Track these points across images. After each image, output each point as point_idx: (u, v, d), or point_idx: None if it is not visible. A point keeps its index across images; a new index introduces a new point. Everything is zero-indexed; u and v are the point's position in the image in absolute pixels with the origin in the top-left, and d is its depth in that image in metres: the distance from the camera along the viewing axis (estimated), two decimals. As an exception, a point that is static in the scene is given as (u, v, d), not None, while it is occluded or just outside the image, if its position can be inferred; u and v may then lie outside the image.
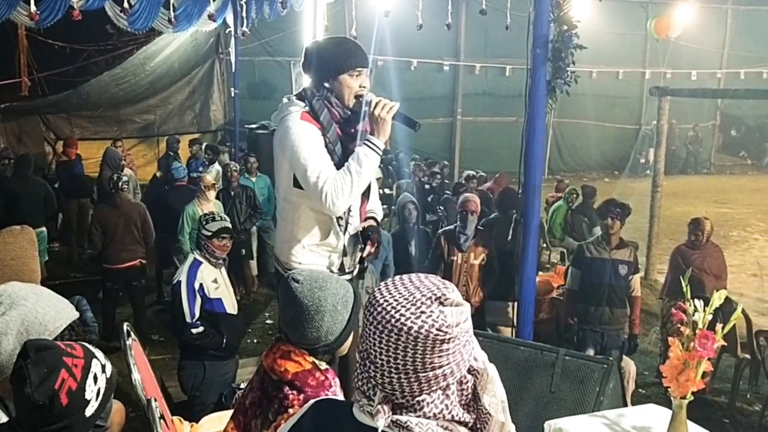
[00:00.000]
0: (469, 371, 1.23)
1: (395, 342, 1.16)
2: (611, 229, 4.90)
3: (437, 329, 1.16)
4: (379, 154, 2.76)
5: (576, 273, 5.00)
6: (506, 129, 14.46)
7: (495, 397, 1.25)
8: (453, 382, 1.21)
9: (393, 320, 1.17)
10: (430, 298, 1.19)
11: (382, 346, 1.17)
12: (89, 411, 1.63)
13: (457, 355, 1.20)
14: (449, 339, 1.17)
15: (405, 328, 1.15)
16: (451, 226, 5.41)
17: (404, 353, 1.16)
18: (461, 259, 5.19)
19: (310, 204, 2.84)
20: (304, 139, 2.74)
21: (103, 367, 1.69)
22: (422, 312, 1.16)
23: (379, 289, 1.24)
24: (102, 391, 1.67)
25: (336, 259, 2.93)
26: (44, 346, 1.63)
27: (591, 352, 4.78)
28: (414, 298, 1.19)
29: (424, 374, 1.18)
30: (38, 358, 1.58)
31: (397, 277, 1.26)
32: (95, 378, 1.65)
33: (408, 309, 1.17)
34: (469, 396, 1.24)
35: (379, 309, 1.19)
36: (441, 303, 1.18)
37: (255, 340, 6.22)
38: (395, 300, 1.19)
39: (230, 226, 4.32)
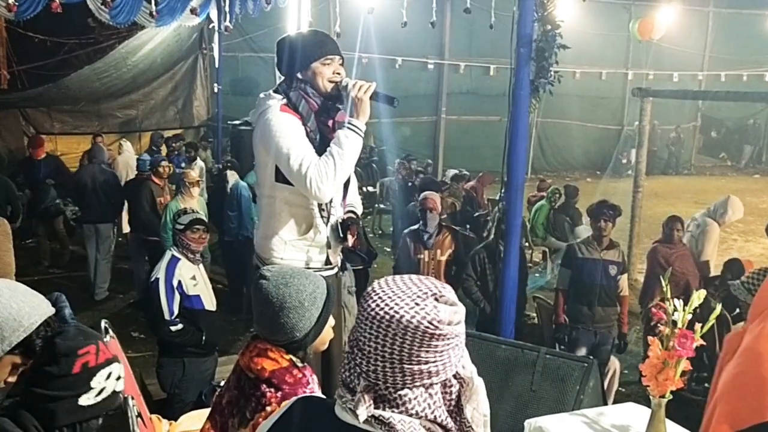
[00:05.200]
0: (455, 377, 1.24)
1: (385, 329, 1.17)
2: (604, 230, 4.91)
3: (428, 322, 1.17)
4: (360, 135, 2.76)
5: (566, 272, 5.03)
6: (490, 128, 14.50)
7: (477, 411, 1.26)
8: (437, 382, 1.21)
9: (386, 308, 1.18)
10: (426, 293, 1.20)
11: (372, 332, 1.18)
12: (84, 400, 1.70)
13: (445, 355, 1.20)
14: (439, 335, 1.18)
15: (397, 317, 1.17)
16: (415, 226, 5.43)
17: (392, 341, 1.17)
18: (428, 257, 5.22)
19: (291, 199, 2.84)
20: (285, 129, 2.74)
21: (119, 377, 1.80)
22: (416, 304, 1.18)
23: (378, 282, 1.25)
24: (106, 392, 1.75)
25: (318, 254, 2.93)
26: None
27: (584, 350, 4.82)
28: (411, 292, 1.21)
29: (409, 367, 1.18)
30: (84, 329, 1.81)
31: (398, 276, 1.28)
32: (109, 375, 1.77)
33: (403, 300, 1.19)
34: (452, 402, 1.24)
35: (375, 298, 1.21)
36: (436, 299, 1.20)
37: (237, 337, 6.18)
38: (392, 292, 1.21)
39: (204, 218, 4.30)
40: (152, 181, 6.90)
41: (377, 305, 1.20)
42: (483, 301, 5.10)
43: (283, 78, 2.94)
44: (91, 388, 1.72)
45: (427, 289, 1.21)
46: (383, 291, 1.22)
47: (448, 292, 1.22)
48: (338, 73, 2.83)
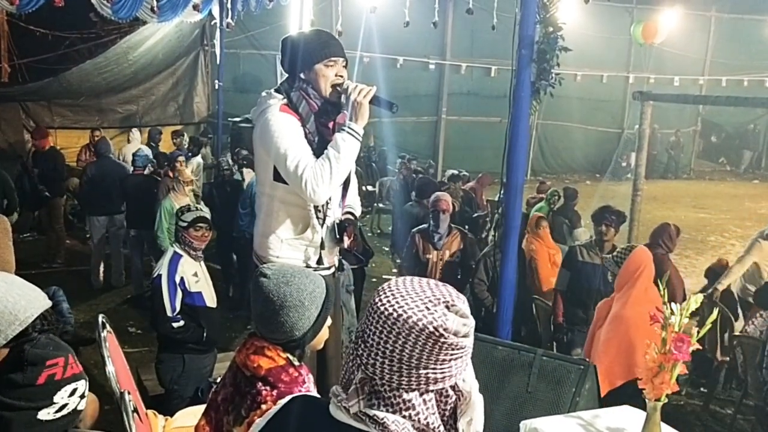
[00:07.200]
0: (453, 388, 1.23)
1: (390, 327, 1.18)
2: (605, 235, 4.91)
3: (434, 327, 1.16)
4: (357, 139, 2.74)
5: (565, 274, 5.04)
6: (490, 129, 14.50)
7: (471, 426, 1.25)
8: (433, 389, 1.21)
9: (396, 306, 1.19)
10: (438, 299, 1.20)
11: (378, 327, 1.19)
12: (43, 415, 1.62)
13: (446, 365, 1.19)
14: (443, 343, 1.17)
15: (404, 317, 1.17)
16: (425, 225, 5.43)
17: (395, 340, 1.17)
18: (436, 257, 5.23)
19: (289, 198, 2.83)
20: (284, 130, 2.73)
21: (83, 395, 1.72)
22: (426, 308, 1.18)
23: (395, 280, 1.26)
24: (67, 409, 1.67)
25: (313, 254, 2.92)
26: (79, 340, 1.75)
27: (580, 350, 4.82)
28: (424, 295, 1.21)
29: (407, 369, 1.18)
30: (56, 340, 1.72)
31: (416, 278, 1.28)
32: (73, 391, 1.68)
33: (414, 302, 1.19)
34: (447, 412, 1.24)
35: (387, 294, 1.21)
36: (447, 307, 1.20)
37: (233, 334, 6.19)
38: (406, 292, 1.21)
39: (207, 215, 4.30)
40: (169, 177, 6.84)
41: (388, 302, 1.20)
42: (494, 304, 5.06)
43: (285, 77, 2.93)
44: (53, 403, 1.64)
45: (440, 295, 1.21)
46: (397, 290, 1.22)
47: (462, 303, 1.22)
48: (341, 76, 2.82)
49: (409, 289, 1.22)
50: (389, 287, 1.24)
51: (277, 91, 2.87)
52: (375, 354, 1.19)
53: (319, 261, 2.94)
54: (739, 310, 5.83)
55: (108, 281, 7.44)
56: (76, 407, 1.70)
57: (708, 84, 17.90)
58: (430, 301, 1.20)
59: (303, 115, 2.80)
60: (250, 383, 1.98)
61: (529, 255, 5.84)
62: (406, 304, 1.19)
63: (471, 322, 1.22)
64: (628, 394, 3.59)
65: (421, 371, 1.18)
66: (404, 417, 1.20)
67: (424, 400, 1.21)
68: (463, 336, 1.20)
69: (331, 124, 2.85)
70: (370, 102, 2.76)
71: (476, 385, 1.27)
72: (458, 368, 1.22)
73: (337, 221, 2.95)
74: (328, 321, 2.09)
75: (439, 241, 5.24)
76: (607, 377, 3.67)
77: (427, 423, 1.21)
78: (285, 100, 2.82)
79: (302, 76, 2.82)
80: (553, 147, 17.53)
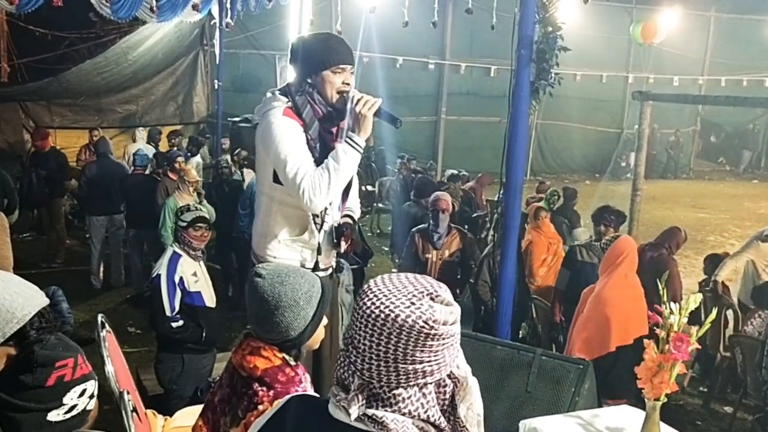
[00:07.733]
0: (449, 376, 1.24)
1: (380, 328, 1.17)
2: (604, 235, 4.93)
3: (424, 321, 1.17)
4: (359, 151, 2.73)
5: (565, 273, 5.05)
6: (490, 129, 14.50)
7: (471, 410, 1.25)
8: (431, 382, 1.22)
9: (382, 306, 1.18)
10: (422, 292, 1.20)
11: (367, 330, 1.19)
12: (53, 416, 1.62)
13: (440, 355, 1.20)
14: (434, 335, 1.18)
15: (392, 316, 1.17)
16: (424, 225, 5.43)
17: (387, 340, 1.17)
18: (436, 257, 5.23)
19: (287, 199, 2.82)
20: (286, 135, 2.72)
21: (92, 395, 1.72)
22: (412, 303, 1.18)
23: (374, 280, 1.26)
24: (76, 410, 1.67)
25: (310, 256, 2.92)
26: (78, 340, 1.77)
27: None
28: (407, 290, 1.21)
29: (403, 366, 1.18)
30: (65, 340, 1.70)
31: (394, 274, 1.28)
32: (83, 392, 1.68)
33: (398, 299, 1.19)
34: (446, 402, 1.24)
35: (371, 296, 1.21)
36: (432, 298, 1.20)
37: (233, 334, 6.19)
38: (388, 290, 1.21)
39: (206, 215, 4.29)
40: (168, 176, 6.84)
41: (373, 304, 1.20)
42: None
43: (290, 80, 2.92)
44: (63, 404, 1.64)
45: (423, 288, 1.21)
46: (379, 289, 1.22)
47: (444, 292, 1.22)
48: (347, 83, 2.79)
49: (390, 288, 1.22)
50: (370, 289, 1.23)
51: (282, 92, 2.85)
52: (369, 358, 1.19)
53: (316, 264, 2.93)
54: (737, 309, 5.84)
55: (108, 281, 7.45)
56: (85, 408, 1.69)
57: (707, 84, 17.91)
58: (413, 295, 1.20)
59: (306, 120, 2.77)
60: (247, 384, 1.98)
61: (524, 246, 5.84)
62: (392, 303, 1.18)
63: (456, 308, 1.23)
64: (604, 368, 3.91)
65: (417, 366, 1.18)
66: (404, 414, 1.20)
67: (423, 394, 1.21)
68: (452, 324, 1.21)
69: (334, 129, 2.84)
70: (374, 114, 2.74)
71: (469, 369, 1.27)
72: (451, 356, 1.23)
73: (335, 225, 2.94)
74: (324, 320, 2.09)
75: (438, 241, 5.25)
76: (584, 351, 3.93)
77: (428, 417, 1.22)
78: (289, 104, 2.79)
79: (309, 80, 2.80)
80: (553, 147, 17.53)
